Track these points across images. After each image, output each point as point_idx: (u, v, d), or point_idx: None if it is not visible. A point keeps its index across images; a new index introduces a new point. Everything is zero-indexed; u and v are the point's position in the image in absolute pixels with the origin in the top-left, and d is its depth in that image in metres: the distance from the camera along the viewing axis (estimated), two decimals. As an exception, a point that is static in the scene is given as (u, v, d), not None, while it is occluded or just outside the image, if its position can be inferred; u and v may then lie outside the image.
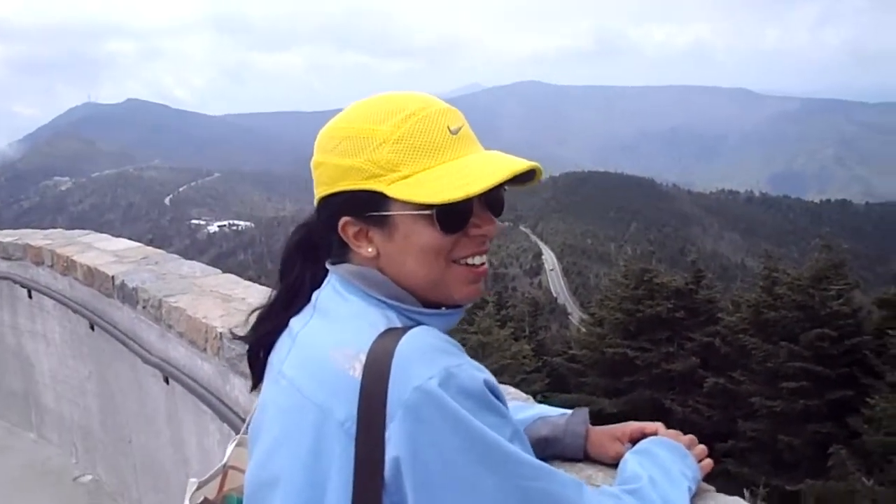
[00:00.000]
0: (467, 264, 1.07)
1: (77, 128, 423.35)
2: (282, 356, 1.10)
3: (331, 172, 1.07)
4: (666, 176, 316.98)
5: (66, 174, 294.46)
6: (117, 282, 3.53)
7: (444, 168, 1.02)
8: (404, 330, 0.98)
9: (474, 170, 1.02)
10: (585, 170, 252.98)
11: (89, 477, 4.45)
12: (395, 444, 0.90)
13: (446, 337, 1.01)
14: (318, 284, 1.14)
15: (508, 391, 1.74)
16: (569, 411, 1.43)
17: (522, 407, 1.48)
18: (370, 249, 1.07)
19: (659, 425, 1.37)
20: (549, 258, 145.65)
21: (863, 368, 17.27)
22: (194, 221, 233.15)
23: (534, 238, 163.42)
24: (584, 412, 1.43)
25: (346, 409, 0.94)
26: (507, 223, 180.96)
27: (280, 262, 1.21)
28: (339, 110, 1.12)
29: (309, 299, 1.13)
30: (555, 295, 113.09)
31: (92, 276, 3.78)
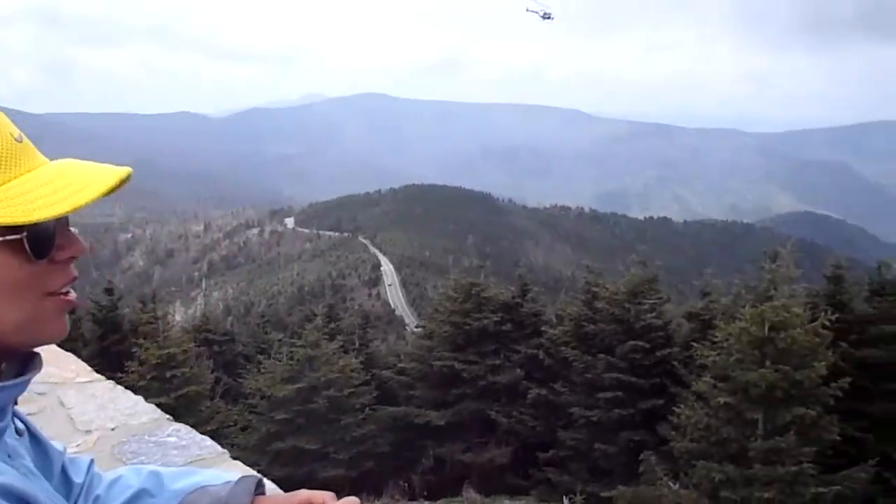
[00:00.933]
0: (61, 294, 0.87)
1: None
2: None
3: None
4: (502, 191, 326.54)
5: None
6: None
7: (24, 181, 0.81)
8: None
9: (69, 179, 0.83)
10: (426, 183, 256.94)
11: None
12: None
13: None
14: None
15: (204, 444, 1.51)
16: (235, 479, 1.25)
17: (182, 474, 1.26)
18: None
19: (329, 496, 1.22)
20: (388, 271, 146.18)
21: (672, 378, 18.22)
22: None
23: (373, 249, 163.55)
24: (250, 481, 1.23)
25: None
26: (346, 234, 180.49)
27: None
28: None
29: None
30: (392, 307, 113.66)
31: None
